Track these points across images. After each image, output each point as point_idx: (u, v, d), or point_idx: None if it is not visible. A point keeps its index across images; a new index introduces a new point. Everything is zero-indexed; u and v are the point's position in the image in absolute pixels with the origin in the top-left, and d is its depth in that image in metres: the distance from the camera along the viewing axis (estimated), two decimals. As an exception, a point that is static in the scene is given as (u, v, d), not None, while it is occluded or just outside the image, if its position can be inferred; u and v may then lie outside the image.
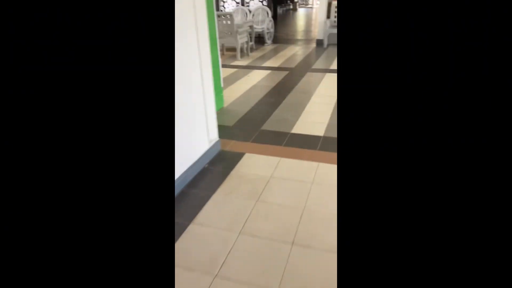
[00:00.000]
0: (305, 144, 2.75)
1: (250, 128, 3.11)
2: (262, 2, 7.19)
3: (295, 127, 3.12)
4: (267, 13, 6.93)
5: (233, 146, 2.76)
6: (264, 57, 6.10)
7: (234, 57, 5.98)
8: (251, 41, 6.49)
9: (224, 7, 7.33)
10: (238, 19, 6.65)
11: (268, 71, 5.09)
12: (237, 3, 7.30)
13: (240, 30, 5.73)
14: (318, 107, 3.64)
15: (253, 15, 6.96)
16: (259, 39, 7.34)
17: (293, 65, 5.45)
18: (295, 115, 3.41)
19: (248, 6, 7.23)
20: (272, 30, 7.28)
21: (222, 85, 3.68)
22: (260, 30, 6.97)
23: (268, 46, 7.12)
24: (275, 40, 7.72)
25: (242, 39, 5.93)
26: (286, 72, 5.02)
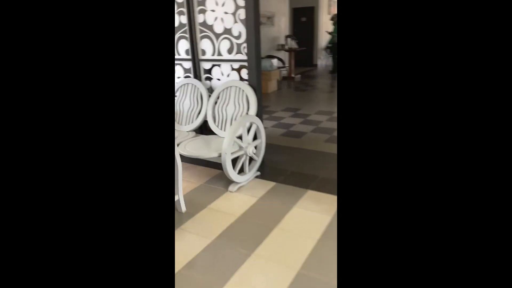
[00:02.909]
0: None
1: None
2: (240, 70, 2.45)
3: None
4: (247, 101, 2.38)
5: None
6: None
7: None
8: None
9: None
10: (184, 106, 2.67)
11: None
12: (186, 70, 2.74)
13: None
14: None
15: (214, 102, 2.53)
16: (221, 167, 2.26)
17: None
18: None
19: (209, 79, 2.64)
20: (254, 148, 2.33)
21: None
22: (215, 155, 2.15)
23: (234, 195, 2.19)
24: (273, 168, 2.57)
25: None
26: None
